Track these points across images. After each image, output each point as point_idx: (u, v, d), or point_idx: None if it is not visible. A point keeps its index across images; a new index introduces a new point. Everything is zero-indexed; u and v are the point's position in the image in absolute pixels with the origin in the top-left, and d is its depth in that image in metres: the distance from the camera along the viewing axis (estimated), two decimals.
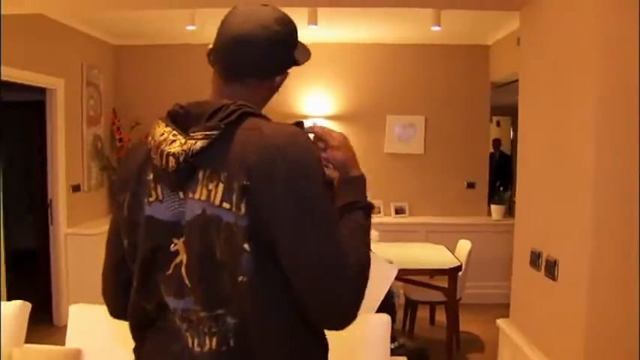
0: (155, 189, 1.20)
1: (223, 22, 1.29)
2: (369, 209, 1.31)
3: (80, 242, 5.22)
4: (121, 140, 6.02)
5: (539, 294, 2.68)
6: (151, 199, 1.21)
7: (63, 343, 2.70)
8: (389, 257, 4.20)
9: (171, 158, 1.15)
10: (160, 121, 1.22)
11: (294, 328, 1.16)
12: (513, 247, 3.10)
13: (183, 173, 1.16)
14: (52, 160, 5.11)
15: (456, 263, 4.39)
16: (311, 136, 1.34)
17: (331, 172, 1.33)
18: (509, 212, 5.86)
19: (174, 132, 1.17)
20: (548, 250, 2.57)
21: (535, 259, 2.69)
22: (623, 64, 2.17)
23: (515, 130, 4.67)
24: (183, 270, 1.18)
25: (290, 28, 1.30)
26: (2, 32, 4.16)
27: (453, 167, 6.21)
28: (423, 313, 5.08)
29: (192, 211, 1.15)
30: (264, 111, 1.30)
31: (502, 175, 7.35)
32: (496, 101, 6.31)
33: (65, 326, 2.73)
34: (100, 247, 5.12)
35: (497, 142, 8.01)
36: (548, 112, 2.66)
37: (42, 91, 5.01)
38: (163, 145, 1.17)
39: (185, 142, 1.14)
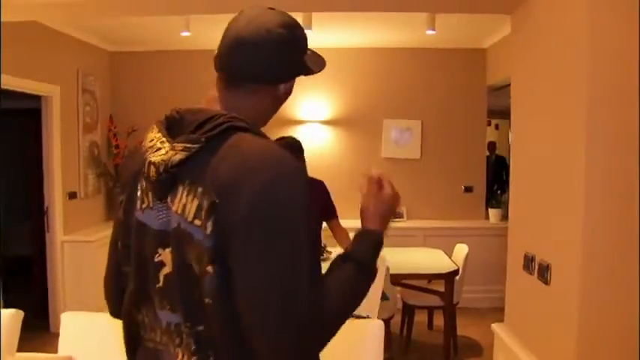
0: (147, 195, 1.19)
1: (227, 26, 1.25)
2: (364, 267, 1.20)
3: (76, 249, 5.21)
4: (117, 147, 6.02)
5: (532, 298, 2.67)
6: (143, 205, 1.19)
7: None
8: (385, 262, 4.19)
9: (152, 167, 1.14)
10: (154, 126, 1.21)
11: None
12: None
13: (165, 183, 1.14)
14: (48, 168, 5.11)
15: (453, 267, 4.39)
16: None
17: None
18: (507, 215, 5.84)
19: (163, 139, 1.16)
20: (541, 254, 2.56)
21: (528, 263, 2.68)
22: (614, 67, 2.16)
23: None
24: (165, 282, 1.17)
25: (296, 34, 1.25)
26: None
27: (451, 171, 6.20)
28: (420, 318, 5.07)
29: (173, 223, 1.13)
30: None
31: (499, 178, 7.34)
32: (494, 104, 6.31)
33: None
34: (97, 254, 5.15)
35: (492, 145, 8.00)
36: (540, 116, 2.66)
37: (38, 98, 5.01)
38: (149, 152, 1.16)
39: (167, 152, 1.12)
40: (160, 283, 1.17)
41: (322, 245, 4.18)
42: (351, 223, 5.89)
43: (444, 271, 4.33)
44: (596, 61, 2.17)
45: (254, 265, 1.03)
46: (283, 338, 1.02)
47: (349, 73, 6.23)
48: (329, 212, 3.77)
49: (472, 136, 6.19)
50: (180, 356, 1.16)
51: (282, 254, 1.03)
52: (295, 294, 1.01)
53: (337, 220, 3.81)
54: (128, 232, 1.24)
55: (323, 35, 5.62)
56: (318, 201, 3.64)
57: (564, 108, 2.38)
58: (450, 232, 5.83)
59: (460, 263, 4.60)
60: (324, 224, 3.91)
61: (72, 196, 5.39)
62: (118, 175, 1.34)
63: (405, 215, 6.19)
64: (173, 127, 1.18)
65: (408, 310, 4.83)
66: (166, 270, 1.16)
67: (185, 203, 1.10)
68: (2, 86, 4.31)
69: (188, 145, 1.10)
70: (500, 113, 7.23)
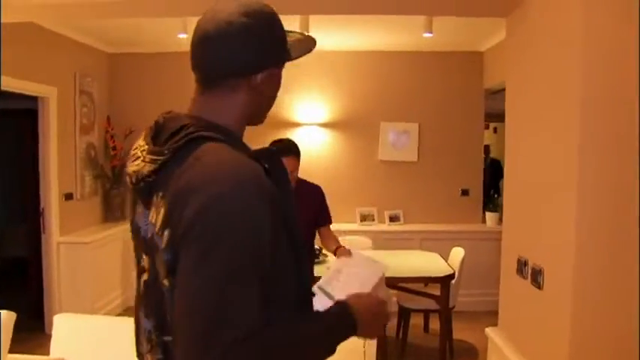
0: (139, 201, 1.20)
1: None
2: (326, 334, 1.13)
3: (72, 251, 5.20)
4: (114, 148, 6.01)
5: (525, 302, 2.66)
6: (139, 210, 1.20)
7: None
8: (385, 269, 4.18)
9: (128, 177, 1.16)
10: (143, 132, 1.21)
11: None
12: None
13: (142, 193, 1.15)
14: (45, 169, 5.09)
15: (449, 271, 4.38)
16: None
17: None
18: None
19: (145, 147, 1.15)
20: (533, 259, 2.56)
21: (521, 267, 2.68)
22: (607, 71, 2.16)
23: None
24: (144, 289, 1.18)
25: (263, 19, 1.16)
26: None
27: (447, 174, 6.19)
28: (416, 321, 5.06)
29: (149, 232, 1.13)
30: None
31: (494, 180, 7.33)
32: (492, 108, 6.31)
33: None
34: (93, 256, 5.14)
35: (486, 149, 8.00)
36: (534, 119, 2.66)
37: (35, 99, 5.00)
38: (129, 161, 1.17)
39: (139, 163, 1.13)
40: (141, 289, 1.18)
41: (316, 249, 4.17)
42: (347, 226, 5.92)
43: (440, 275, 4.32)
44: (589, 64, 2.17)
45: (186, 283, 0.98)
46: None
47: (347, 76, 6.23)
48: (323, 219, 3.72)
49: (469, 140, 6.19)
50: None
51: (213, 277, 0.96)
52: (219, 321, 0.94)
53: (329, 227, 3.76)
54: (131, 233, 1.26)
55: (321, 38, 5.57)
56: (313, 206, 3.62)
57: (558, 111, 2.37)
58: (446, 235, 5.83)
59: (456, 267, 4.60)
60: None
61: (68, 197, 5.38)
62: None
63: (401, 218, 6.18)
64: (159, 133, 1.17)
65: (404, 314, 4.82)
66: (145, 276, 1.17)
67: (157, 214, 1.09)
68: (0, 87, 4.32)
69: (154, 157, 1.10)
70: (498, 116, 7.23)
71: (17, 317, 2.78)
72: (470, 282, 5.43)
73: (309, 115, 6.19)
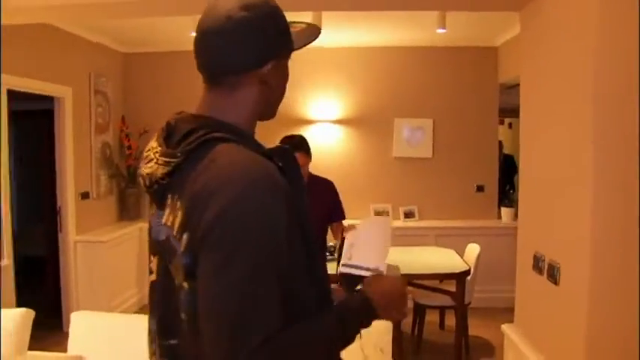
0: (153, 202, 1.20)
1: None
2: (345, 325, 1.12)
3: (89, 249, 5.25)
4: (129, 147, 6.05)
5: (542, 299, 2.64)
6: (152, 211, 1.21)
7: None
8: (397, 262, 4.18)
9: (141, 180, 1.16)
10: (155, 133, 1.21)
11: None
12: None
13: (156, 195, 1.14)
14: (61, 168, 5.15)
15: (465, 267, 4.36)
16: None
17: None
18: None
19: (158, 149, 1.15)
20: (550, 255, 2.54)
21: (537, 263, 2.66)
22: (622, 64, 2.14)
23: None
24: (152, 292, 1.18)
25: (264, 11, 1.14)
26: (10, 42, 4.22)
27: (462, 170, 6.16)
28: (432, 318, 5.04)
29: (162, 234, 1.13)
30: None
31: (508, 176, 7.27)
32: (507, 103, 6.25)
33: None
34: (109, 254, 5.18)
35: (498, 145, 7.92)
36: (549, 114, 2.63)
37: (51, 99, 5.05)
38: (142, 163, 1.17)
39: (152, 165, 1.12)
40: (149, 290, 1.19)
41: (330, 246, 4.17)
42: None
43: (455, 271, 4.30)
44: (603, 58, 2.14)
45: (207, 288, 0.99)
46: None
47: (360, 73, 6.21)
48: (336, 214, 3.71)
49: (484, 135, 6.14)
50: None
51: (234, 280, 0.97)
52: (243, 324, 0.95)
53: (342, 222, 3.74)
54: (148, 235, 1.26)
55: (334, 35, 5.61)
56: (325, 202, 3.61)
57: (572, 106, 2.35)
58: (461, 231, 5.80)
59: (472, 263, 4.57)
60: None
61: (84, 196, 5.43)
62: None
63: (416, 215, 6.16)
64: (171, 135, 1.17)
65: (420, 310, 4.80)
66: (152, 278, 1.17)
67: (173, 217, 1.08)
68: (16, 88, 4.36)
69: (167, 160, 1.09)
70: (514, 112, 7.18)
71: (35, 315, 2.81)
72: (485, 278, 5.39)
73: (322, 112, 6.18)
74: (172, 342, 1.11)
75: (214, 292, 0.97)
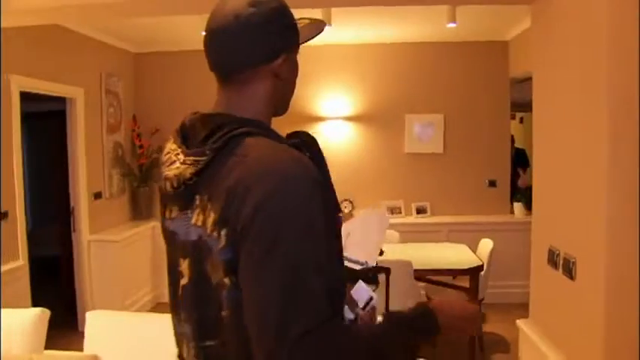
0: (173, 206, 1.19)
1: None
2: (404, 336, 1.10)
3: (103, 249, 5.28)
4: (141, 147, 6.08)
5: (557, 293, 2.62)
6: (172, 215, 1.20)
7: None
8: (409, 258, 4.18)
9: (167, 182, 1.14)
10: (170, 137, 1.20)
11: None
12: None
13: (183, 196, 1.13)
14: (74, 168, 5.18)
15: (478, 263, 4.34)
16: None
17: None
18: (530, 209, 5.76)
19: (178, 151, 1.14)
20: (565, 249, 2.52)
21: (552, 257, 2.64)
22: (635, 56, 2.11)
23: None
24: (183, 294, 1.16)
25: (271, 6, 1.16)
26: (22, 45, 4.26)
27: (474, 165, 6.13)
28: None
29: (192, 235, 1.12)
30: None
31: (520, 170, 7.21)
32: (518, 97, 6.22)
33: None
34: (122, 254, 5.20)
35: (510, 139, 7.86)
36: (562, 107, 2.61)
37: (63, 100, 5.08)
38: (164, 167, 1.16)
39: (179, 166, 1.11)
40: (180, 294, 1.18)
41: None
42: None
43: (468, 267, 4.28)
44: (616, 50, 2.12)
45: (254, 278, 0.99)
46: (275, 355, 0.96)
47: (370, 69, 6.20)
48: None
49: (495, 130, 6.11)
50: None
51: (279, 271, 0.98)
52: (290, 313, 0.96)
53: None
54: (164, 239, 1.26)
55: (343, 31, 5.60)
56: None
57: (586, 99, 2.33)
58: (474, 227, 5.77)
59: (485, 258, 4.55)
60: None
61: (97, 196, 5.46)
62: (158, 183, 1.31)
63: (428, 210, 6.14)
64: (188, 135, 1.16)
65: None
66: (184, 281, 1.16)
67: (204, 216, 1.08)
68: (28, 90, 4.39)
69: (196, 159, 1.09)
70: (525, 106, 7.14)
71: (50, 315, 2.83)
72: (499, 273, 5.36)
73: (333, 109, 6.17)
74: (210, 343, 1.10)
75: (259, 284, 0.98)
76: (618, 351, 2.15)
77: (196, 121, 1.16)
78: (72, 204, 5.20)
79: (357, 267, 1.35)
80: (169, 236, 1.21)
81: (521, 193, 5.91)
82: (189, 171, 1.09)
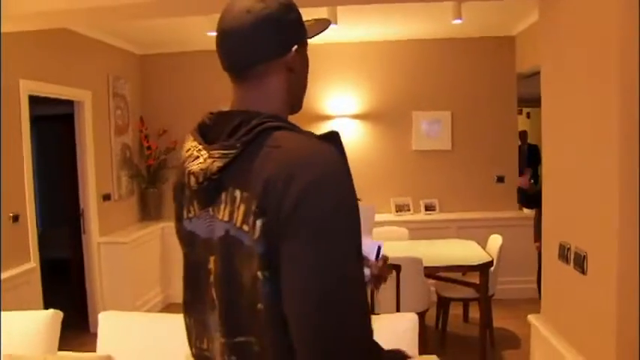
0: (192, 204, 1.19)
1: None
2: None
3: (112, 250, 5.31)
4: (149, 148, 6.10)
5: (569, 288, 2.61)
6: (190, 215, 1.19)
7: None
8: (419, 255, 4.18)
9: (192, 177, 1.13)
10: (189, 135, 1.20)
11: None
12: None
13: (207, 192, 1.13)
14: (82, 171, 5.22)
15: (487, 259, 4.33)
16: None
17: None
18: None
19: (200, 147, 1.14)
20: (576, 243, 2.51)
21: (564, 252, 2.63)
22: None
23: None
24: (213, 291, 1.16)
25: (279, 2, 1.18)
26: (30, 48, 4.28)
27: (482, 161, 6.12)
28: (455, 310, 5.02)
29: (219, 231, 1.11)
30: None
31: (534, 166, 7.20)
32: (525, 93, 6.20)
33: None
34: (132, 255, 5.23)
35: (523, 134, 7.84)
36: (571, 101, 2.60)
37: (71, 103, 5.11)
38: (187, 163, 1.16)
39: (205, 161, 1.11)
40: (207, 292, 1.17)
41: None
42: (382, 217, 5.91)
43: (478, 263, 4.28)
44: (626, 43, 2.11)
45: (299, 266, 1.00)
46: (317, 346, 0.99)
47: (376, 67, 6.20)
48: None
49: (503, 126, 6.10)
50: None
51: (327, 257, 0.99)
52: (336, 300, 0.98)
53: None
54: (181, 240, 1.25)
55: (349, 29, 5.61)
56: None
57: (596, 93, 2.32)
58: (483, 223, 5.76)
59: (494, 254, 4.55)
60: None
61: (106, 198, 5.49)
62: (172, 183, 1.32)
63: (437, 207, 6.14)
64: (208, 134, 1.17)
65: (443, 303, 4.79)
66: (212, 279, 1.15)
67: (232, 210, 1.08)
68: (37, 93, 4.42)
69: (225, 152, 1.09)
70: (532, 101, 7.12)
71: (62, 316, 2.85)
72: (508, 269, 5.36)
73: (340, 108, 6.18)
74: (241, 339, 1.10)
75: (306, 272, 0.99)
76: (631, 345, 2.14)
77: (218, 119, 1.18)
78: (81, 206, 5.24)
79: None
80: (188, 237, 1.21)
81: (522, 194, 5.88)
82: (216, 164, 1.09)
